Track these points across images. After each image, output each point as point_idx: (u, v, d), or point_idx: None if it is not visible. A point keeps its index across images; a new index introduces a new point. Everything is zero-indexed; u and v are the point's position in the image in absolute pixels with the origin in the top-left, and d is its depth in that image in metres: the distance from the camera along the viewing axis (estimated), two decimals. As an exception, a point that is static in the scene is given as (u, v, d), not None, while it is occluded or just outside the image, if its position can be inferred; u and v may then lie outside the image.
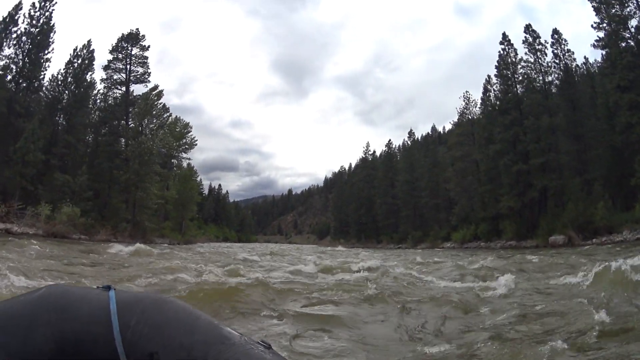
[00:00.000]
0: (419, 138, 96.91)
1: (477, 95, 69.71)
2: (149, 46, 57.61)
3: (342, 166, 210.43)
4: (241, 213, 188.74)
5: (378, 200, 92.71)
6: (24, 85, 45.74)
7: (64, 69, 50.56)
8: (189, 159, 78.37)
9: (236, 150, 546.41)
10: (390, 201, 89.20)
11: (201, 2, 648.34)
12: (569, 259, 17.64)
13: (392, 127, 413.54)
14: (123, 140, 53.55)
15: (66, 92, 50.33)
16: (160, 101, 58.11)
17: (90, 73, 52.81)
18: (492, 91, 59.23)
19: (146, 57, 57.30)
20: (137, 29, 57.29)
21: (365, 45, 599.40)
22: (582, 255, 19.82)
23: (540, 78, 52.49)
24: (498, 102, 56.48)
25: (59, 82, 49.98)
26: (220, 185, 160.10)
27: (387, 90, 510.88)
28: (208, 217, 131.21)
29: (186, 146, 74.30)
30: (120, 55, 55.97)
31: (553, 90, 52.96)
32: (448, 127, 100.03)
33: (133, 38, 56.83)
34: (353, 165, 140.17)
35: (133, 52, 56.61)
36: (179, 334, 1.53)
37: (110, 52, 55.88)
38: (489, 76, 59.89)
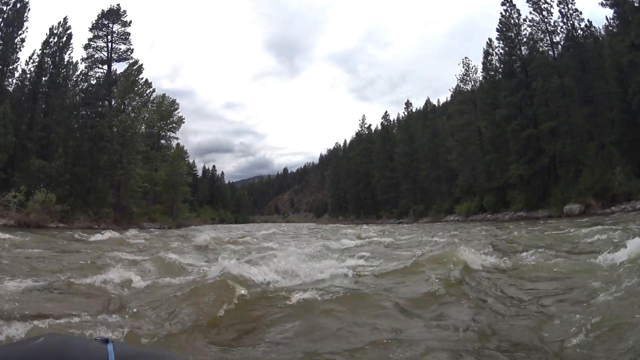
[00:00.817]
0: (415, 111, 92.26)
1: (475, 63, 65.48)
2: (130, 22, 53.69)
3: (337, 143, 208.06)
4: (237, 194, 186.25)
5: (376, 175, 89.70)
6: (-2, 67, 42.24)
7: (40, 50, 47.19)
8: (177, 138, 75.93)
9: (231, 132, 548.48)
10: (388, 175, 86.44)
11: None
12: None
13: (387, 102, 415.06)
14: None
15: (43, 73, 46.93)
16: (141, 76, 54.95)
17: (68, 52, 49.36)
18: (495, 55, 56.39)
19: (128, 34, 53.67)
20: (118, 4, 53.36)
21: (356, 22, 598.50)
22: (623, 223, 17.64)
23: (547, 38, 49.51)
24: (502, 66, 53.57)
25: (35, 63, 46.52)
26: (214, 166, 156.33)
27: (380, 66, 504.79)
28: (203, 199, 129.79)
29: (173, 125, 70.97)
30: (100, 33, 52.31)
31: (560, 52, 49.97)
32: (443, 100, 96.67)
33: (114, 14, 52.96)
34: (348, 142, 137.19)
35: (114, 29, 52.95)
36: None
37: (90, 29, 52.12)
38: (490, 39, 56.96)
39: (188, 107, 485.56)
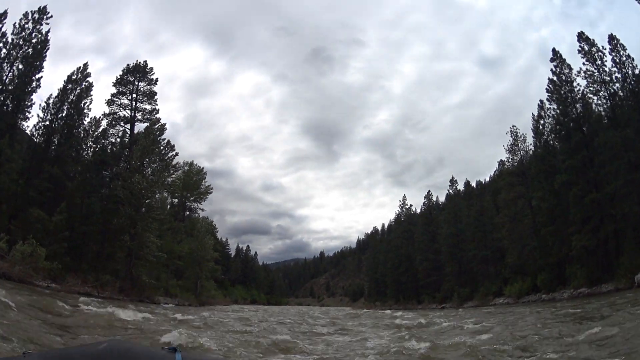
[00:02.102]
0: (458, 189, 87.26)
1: (523, 132, 61.21)
2: (157, 80, 52.30)
3: (374, 227, 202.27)
4: (271, 275, 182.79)
5: (418, 257, 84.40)
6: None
7: (56, 95, 45.23)
8: (203, 209, 72.65)
9: (268, 214, 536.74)
10: (431, 257, 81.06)
11: (230, 67, 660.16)
12: None
13: (424, 187, 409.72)
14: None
15: (57, 120, 44.74)
16: (163, 137, 51.36)
17: (87, 102, 47.01)
18: (547, 117, 52.74)
19: (154, 93, 51.99)
20: (145, 61, 52.16)
21: (393, 106, 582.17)
22: None
23: (604, 90, 45.43)
24: (557, 126, 49.56)
25: (50, 108, 44.43)
26: (248, 246, 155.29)
27: (417, 150, 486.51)
28: (235, 278, 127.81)
29: (200, 195, 67.10)
30: (125, 89, 50.77)
31: (617, 102, 45.81)
32: (481, 181, 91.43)
33: (140, 70, 51.56)
34: (386, 226, 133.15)
35: (140, 87, 51.30)
36: None
37: (114, 84, 50.78)
38: (541, 101, 53.36)
39: (225, 187, 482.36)
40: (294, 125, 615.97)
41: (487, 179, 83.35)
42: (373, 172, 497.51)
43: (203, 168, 68.87)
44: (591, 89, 45.91)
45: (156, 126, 49.76)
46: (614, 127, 42.51)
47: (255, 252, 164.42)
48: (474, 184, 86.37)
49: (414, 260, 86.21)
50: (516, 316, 20.62)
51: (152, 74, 52.06)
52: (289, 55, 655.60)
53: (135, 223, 43.90)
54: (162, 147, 50.92)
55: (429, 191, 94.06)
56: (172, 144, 52.91)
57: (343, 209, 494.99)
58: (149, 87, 51.41)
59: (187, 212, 69.05)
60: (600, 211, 41.88)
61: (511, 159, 62.23)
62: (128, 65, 51.33)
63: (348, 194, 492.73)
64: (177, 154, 53.48)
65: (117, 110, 49.74)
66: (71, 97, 45.65)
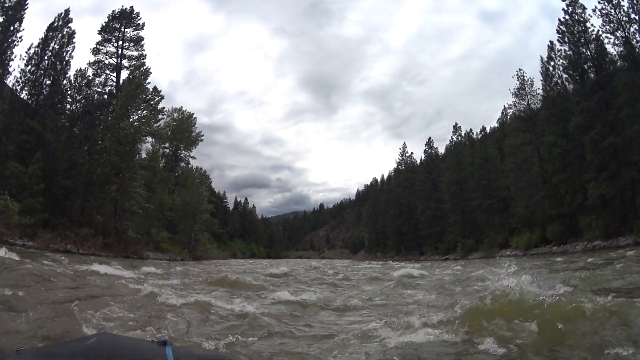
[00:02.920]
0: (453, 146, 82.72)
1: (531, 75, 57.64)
2: (143, 24, 49.73)
3: (374, 178, 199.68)
4: (270, 228, 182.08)
5: (420, 206, 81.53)
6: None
7: (37, 45, 41.22)
8: (194, 157, 70.21)
9: (268, 168, 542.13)
10: (433, 206, 78.15)
11: (227, 22, 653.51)
12: None
13: (422, 139, 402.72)
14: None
15: (38, 70, 40.84)
16: (148, 81, 47.71)
17: (69, 50, 43.20)
18: (558, 58, 48.85)
19: (141, 38, 49.85)
20: (131, 6, 49.32)
21: (391, 59, 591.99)
22: None
23: (621, 29, 41.39)
24: (570, 67, 45.86)
25: (31, 59, 40.52)
26: (246, 199, 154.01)
27: (415, 103, 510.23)
28: (234, 232, 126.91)
29: (191, 142, 63.56)
30: (110, 37, 48.13)
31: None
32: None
33: (126, 16, 48.99)
34: (386, 177, 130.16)
35: (126, 33, 48.63)
36: None
37: (100, 32, 48.11)
38: (551, 42, 49.43)
39: (225, 141, 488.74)
40: (293, 79, 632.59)
41: (489, 129, 79.13)
42: (371, 125, 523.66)
43: (193, 113, 64.91)
44: (607, 28, 42.07)
45: (141, 70, 46.77)
46: (633, 69, 39.06)
47: (254, 205, 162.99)
48: (477, 133, 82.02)
49: (416, 210, 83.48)
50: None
51: (139, 19, 49.86)
52: (287, 8, 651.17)
53: (121, 172, 41.23)
54: (148, 93, 47.85)
55: (430, 138, 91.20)
56: (159, 89, 49.76)
57: (342, 161, 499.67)
58: (135, 32, 49.35)
59: (182, 164, 65.54)
60: (618, 157, 38.80)
61: (518, 103, 58.45)
62: (114, 11, 48.89)
63: (347, 146, 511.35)
64: (162, 98, 50.06)
65: (102, 59, 47.44)
66: (52, 45, 42.17)
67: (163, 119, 50.65)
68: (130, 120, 43.39)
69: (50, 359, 1.34)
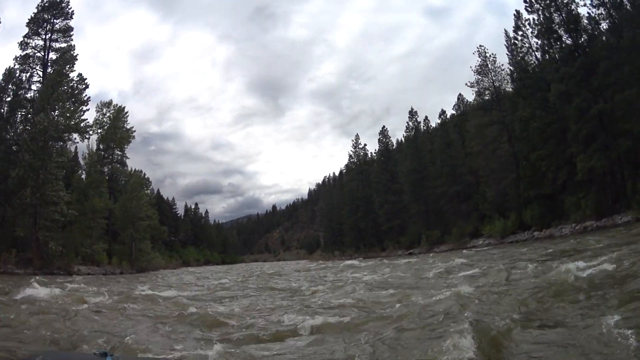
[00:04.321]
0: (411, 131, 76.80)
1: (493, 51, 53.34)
2: (73, 12, 44.50)
3: (327, 174, 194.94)
4: (223, 233, 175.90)
5: (377, 199, 75.59)
6: None
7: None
8: (127, 157, 61.28)
9: (219, 173, 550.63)
10: (392, 199, 72.29)
11: (174, 31, 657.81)
12: None
13: (372, 135, 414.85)
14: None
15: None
16: (73, 69, 41.67)
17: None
18: (527, 27, 44.40)
19: (70, 28, 44.31)
20: None
21: (338, 59, 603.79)
22: None
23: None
24: (544, 32, 41.32)
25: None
26: (196, 204, 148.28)
27: (363, 101, 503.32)
28: (187, 240, 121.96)
29: (120, 140, 56.48)
30: (38, 29, 43.06)
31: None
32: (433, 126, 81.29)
33: (55, 6, 43.69)
34: (337, 174, 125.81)
35: (55, 24, 43.59)
36: None
37: (28, 24, 43.05)
38: (517, 12, 44.98)
39: (175, 149, 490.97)
40: (240, 83, 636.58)
41: (448, 115, 73.91)
42: (320, 124, 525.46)
43: (124, 107, 57.60)
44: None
45: (66, 55, 41.54)
46: (614, 30, 35.86)
47: (206, 211, 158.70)
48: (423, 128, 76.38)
49: (373, 204, 77.67)
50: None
51: (69, 8, 44.47)
52: (233, 14, 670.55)
53: (37, 173, 34.91)
54: (71, 82, 41.42)
55: (384, 127, 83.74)
56: (84, 77, 42.64)
57: (292, 162, 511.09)
58: (64, 22, 44.09)
59: (117, 165, 58.16)
60: (610, 126, 34.15)
61: (481, 81, 53.30)
62: (43, 1, 43.54)
63: (297, 147, 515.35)
64: (87, 87, 42.75)
65: (30, 53, 42.47)
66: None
67: (88, 110, 43.14)
68: (49, 114, 37.07)
69: None
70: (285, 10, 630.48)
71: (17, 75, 41.36)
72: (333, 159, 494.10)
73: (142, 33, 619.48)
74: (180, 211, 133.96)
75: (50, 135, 36.18)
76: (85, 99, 41.89)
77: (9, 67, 40.89)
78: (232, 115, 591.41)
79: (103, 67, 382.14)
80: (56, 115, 38.06)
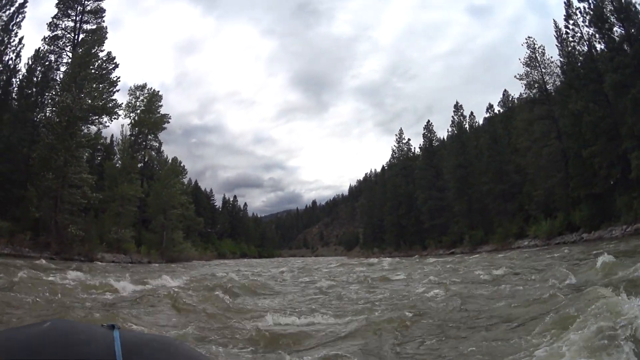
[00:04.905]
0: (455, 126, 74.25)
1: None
2: None
3: (367, 172, 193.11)
4: (262, 227, 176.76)
5: (421, 196, 73.53)
6: None
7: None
8: (160, 142, 60.51)
9: (260, 167, 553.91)
10: (436, 195, 70.81)
11: (218, 24, 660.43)
12: None
13: (413, 134, 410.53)
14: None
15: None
16: (103, 48, 40.76)
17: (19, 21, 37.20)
18: (577, 15, 42.41)
19: (102, 10, 43.59)
20: None
21: (381, 56, 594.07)
22: None
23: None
24: (598, 21, 39.46)
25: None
26: (235, 197, 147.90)
27: (406, 99, 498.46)
28: (223, 232, 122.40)
29: (154, 124, 55.16)
30: (69, 10, 42.21)
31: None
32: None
33: None
34: (379, 170, 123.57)
35: (86, 5, 42.76)
36: None
37: (57, 4, 42.12)
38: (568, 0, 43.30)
39: (217, 142, 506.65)
40: (283, 78, 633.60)
41: (492, 112, 71.69)
42: (363, 121, 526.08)
43: (159, 91, 56.11)
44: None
45: (95, 35, 40.68)
46: None
47: (245, 204, 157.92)
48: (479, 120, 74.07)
49: (416, 201, 75.64)
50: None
51: None
52: (276, 10, 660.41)
53: (59, 155, 34.28)
54: (101, 61, 40.57)
55: (429, 121, 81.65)
56: (113, 56, 41.84)
57: (334, 159, 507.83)
58: (96, 3, 43.42)
59: (151, 152, 57.56)
60: None
61: (530, 73, 51.67)
62: None
63: (339, 143, 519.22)
64: (117, 66, 41.93)
65: (59, 34, 41.70)
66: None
67: (118, 91, 42.33)
68: (75, 93, 36.08)
69: (4, 343, 1.24)
70: (328, 7, 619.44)
71: (46, 56, 40.50)
72: (375, 157, 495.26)
73: (184, 26, 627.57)
74: (219, 203, 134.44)
75: (75, 115, 35.64)
76: (114, 79, 41.30)
77: (38, 48, 40.15)
78: (275, 109, 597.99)
79: (144, 60, 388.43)
80: (82, 96, 37.28)
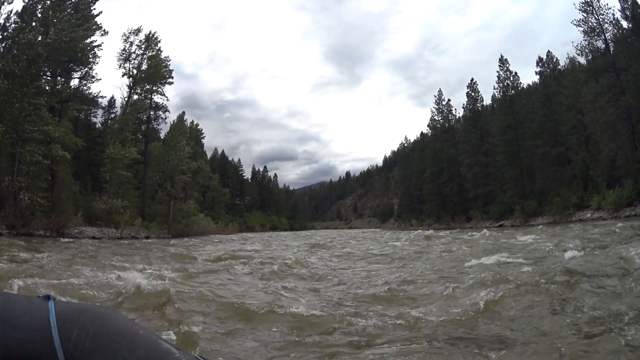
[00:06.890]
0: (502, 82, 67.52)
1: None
2: None
3: (402, 142, 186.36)
4: (293, 198, 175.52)
5: (466, 161, 68.05)
6: None
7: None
8: (167, 98, 52.47)
9: (294, 140, 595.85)
10: (482, 160, 65.61)
11: (249, 1, 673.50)
12: None
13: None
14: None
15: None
16: None
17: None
18: None
19: None
20: None
21: (412, 30, 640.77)
22: None
23: None
24: None
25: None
26: (265, 167, 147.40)
27: (438, 72, 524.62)
28: (253, 204, 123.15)
29: (155, 79, 48.07)
30: None
31: None
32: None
33: None
34: (416, 139, 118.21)
35: None
36: (120, 348, 1.50)
37: None
38: None
39: (250, 116, 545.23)
40: (316, 53, 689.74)
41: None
42: (396, 94, 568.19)
43: (155, 32, 47.87)
44: None
45: None
46: None
47: (275, 175, 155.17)
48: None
49: (459, 167, 70.51)
50: None
51: None
52: None
53: (13, 102, 28.39)
54: None
55: (472, 79, 74.79)
56: None
57: (368, 131, 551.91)
58: None
59: (160, 113, 51.02)
60: None
61: (587, 19, 45.79)
62: None
63: (372, 116, 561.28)
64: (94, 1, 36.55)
65: None
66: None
67: (100, 29, 36.34)
68: (43, 31, 30.99)
69: None
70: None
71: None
72: (408, 129, 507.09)
73: (216, 3, 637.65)
74: (248, 175, 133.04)
75: (37, 52, 29.74)
76: (92, 13, 35.90)
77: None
78: (309, 84, 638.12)
79: (176, 38, 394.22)
80: (53, 33, 31.09)
